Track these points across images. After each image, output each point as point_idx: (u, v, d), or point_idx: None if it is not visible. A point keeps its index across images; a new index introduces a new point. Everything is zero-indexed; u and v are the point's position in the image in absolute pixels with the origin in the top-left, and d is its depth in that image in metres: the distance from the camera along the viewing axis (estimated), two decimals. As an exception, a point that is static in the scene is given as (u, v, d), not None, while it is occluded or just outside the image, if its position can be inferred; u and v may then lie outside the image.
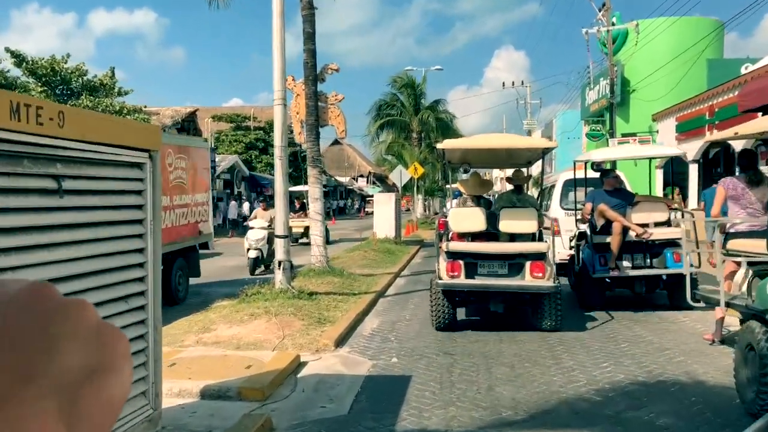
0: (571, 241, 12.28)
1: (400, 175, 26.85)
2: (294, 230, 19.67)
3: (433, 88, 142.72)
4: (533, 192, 20.96)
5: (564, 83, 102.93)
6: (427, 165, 37.49)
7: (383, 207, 22.36)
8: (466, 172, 10.53)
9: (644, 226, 10.25)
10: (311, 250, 13.57)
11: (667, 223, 10.68)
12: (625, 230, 9.97)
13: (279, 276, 10.28)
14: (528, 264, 8.52)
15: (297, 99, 13.35)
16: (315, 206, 13.20)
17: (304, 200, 21.78)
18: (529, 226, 9.12)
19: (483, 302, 9.06)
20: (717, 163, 24.69)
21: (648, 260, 10.22)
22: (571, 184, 14.61)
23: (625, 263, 10.21)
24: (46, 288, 0.50)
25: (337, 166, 73.23)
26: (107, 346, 0.50)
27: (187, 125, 31.81)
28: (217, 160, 36.17)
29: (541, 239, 9.38)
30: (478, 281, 8.54)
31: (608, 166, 14.11)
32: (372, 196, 67.75)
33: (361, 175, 72.61)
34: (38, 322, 0.47)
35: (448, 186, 16.28)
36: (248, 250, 14.94)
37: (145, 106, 27.55)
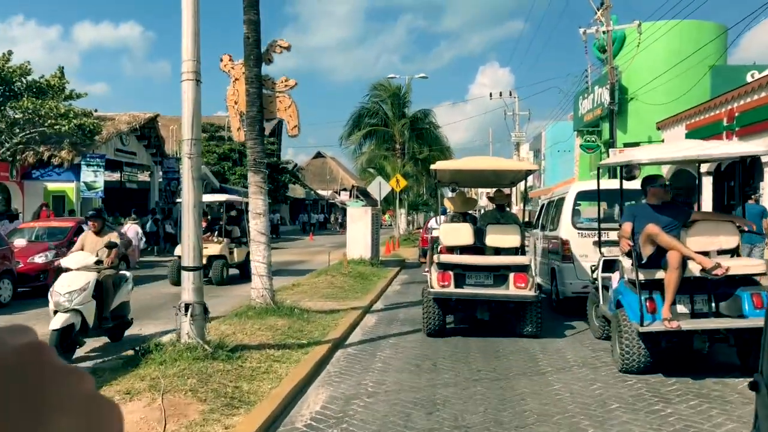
0: (592, 272, 9.10)
1: (379, 187, 23.66)
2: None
3: (418, 102, 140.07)
4: (520, 207, 23.64)
5: (557, 88, 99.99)
6: (410, 178, 34.39)
7: (358, 223, 19.13)
8: (453, 191, 11.10)
9: (705, 254, 7.11)
10: (252, 281, 10.25)
11: (734, 252, 7.54)
12: (684, 262, 6.80)
13: (186, 326, 7.00)
14: (512, 275, 8.94)
15: (235, 85, 10.12)
16: (257, 224, 9.95)
17: (228, 214, 17.56)
18: (513, 240, 9.48)
19: (471, 310, 9.38)
20: (731, 175, 21.75)
21: (713, 305, 7.06)
22: (588, 197, 11.48)
23: (680, 308, 7.04)
24: (43, 351, 0.46)
25: (319, 179, 70.14)
26: (100, 425, 0.45)
27: (147, 132, 28.51)
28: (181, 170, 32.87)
29: (523, 253, 9.66)
30: (466, 290, 8.99)
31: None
32: (355, 210, 64.78)
33: (344, 189, 69.44)
34: (29, 390, 0.43)
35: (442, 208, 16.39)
36: (54, 312, 7.50)
37: (96, 110, 24.25)
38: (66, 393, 0.44)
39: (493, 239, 9.45)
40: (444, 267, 9.07)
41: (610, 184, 11.78)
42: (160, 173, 30.10)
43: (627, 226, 7.22)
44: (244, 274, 15.82)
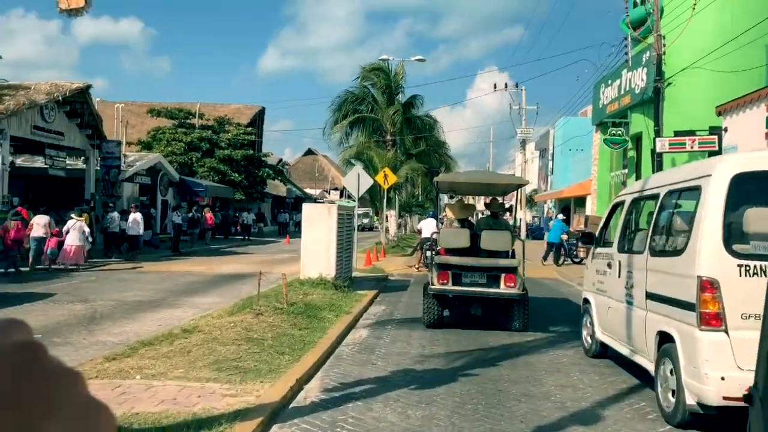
0: None
1: (357, 180, 17.47)
2: None
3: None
4: (526, 212, 27.15)
5: (587, 61, 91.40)
6: (402, 171, 28.21)
7: (317, 226, 12.86)
8: (452, 197, 12.79)
9: None
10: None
11: None
12: None
13: None
14: (503, 276, 9.35)
15: None
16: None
17: None
18: (505, 245, 9.88)
19: (466, 306, 9.90)
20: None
21: None
22: (759, 190, 5.34)
23: None
24: (38, 351, 0.43)
25: (309, 177, 64.10)
26: (93, 427, 0.43)
27: (79, 108, 22.26)
28: (131, 159, 26.74)
29: (513, 256, 9.96)
30: (462, 288, 9.48)
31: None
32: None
33: (335, 188, 63.26)
34: (25, 391, 0.40)
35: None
36: None
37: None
38: (61, 396, 0.40)
39: (487, 243, 9.87)
40: (443, 267, 9.55)
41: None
42: (98, 159, 23.84)
43: None
44: None
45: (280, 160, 50.28)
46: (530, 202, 46.22)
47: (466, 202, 13.66)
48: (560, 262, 22.98)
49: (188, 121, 37.08)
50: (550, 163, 42.61)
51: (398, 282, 16.07)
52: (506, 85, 40.22)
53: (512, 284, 9.25)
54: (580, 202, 34.70)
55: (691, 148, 18.09)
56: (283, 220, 38.52)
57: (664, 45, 19.21)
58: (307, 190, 57.47)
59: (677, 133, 18.28)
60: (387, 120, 29.50)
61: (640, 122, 25.06)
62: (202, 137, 35.44)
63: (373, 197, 28.71)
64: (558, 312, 11.82)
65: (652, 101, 23.46)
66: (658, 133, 18.54)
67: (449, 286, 9.37)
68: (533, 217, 48.50)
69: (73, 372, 0.43)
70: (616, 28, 28.23)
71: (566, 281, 17.13)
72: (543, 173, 45.66)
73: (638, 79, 24.32)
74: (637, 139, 26.00)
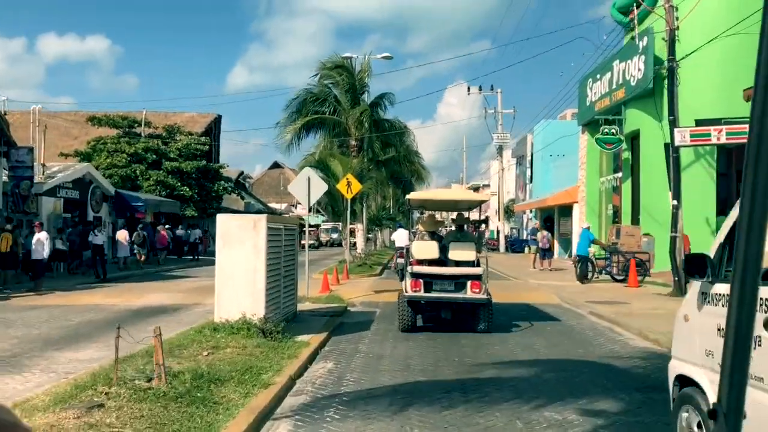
0: None
1: (307, 186, 13.63)
2: None
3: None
4: (504, 223, 34.42)
5: (584, 39, 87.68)
6: (369, 180, 24.38)
7: (237, 247, 8.97)
8: (421, 213, 14.80)
9: None
10: None
11: None
12: None
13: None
14: (469, 282, 10.10)
15: None
16: None
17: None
18: (470, 255, 10.60)
19: (436, 310, 10.62)
20: None
21: None
22: None
23: None
24: None
25: (275, 192, 60.02)
26: None
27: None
28: (53, 169, 22.53)
29: (478, 265, 10.52)
30: (433, 294, 10.21)
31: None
32: (315, 225, 53.65)
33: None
34: None
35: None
36: None
37: None
38: None
39: (454, 254, 10.62)
40: (415, 276, 10.21)
41: None
42: (5, 170, 19.65)
43: None
44: None
45: (242, 172, 46.24)
46: (508, 212, 42.75)
47: (436, 217, 14.72)
48: (589, 278, 18.54)
49: (133, 130, 32.95)
50: (529, 170, 39.19)
51: (360, 316, 12.21)
52: (480, 87, 36.93)
53: (477, 290, 9.97)
54: (566, 210, 31.20)
55: (718, 140, 14.58)
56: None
57: (677, 18, 15.70)
58: (272, 205, 53.36)
59: (699, 123, 14.72)
60: (352, 123, 25.73)
61: (636, 118, 21.61)
62: (148, 147, 31.33)
63: (335, 209, 24.90)
64: (583, 369, 8.00)
65: (653, 93, 20.05)
66: (674, 122, 14.91)
67: (421, 293, 10.07)
68: (511, 228, 45.01)
69: (26, 430, 0.39)
70: (608, 21, 24.86)
71: (573, 308, 13.39)
72: (521, 181, 42.24)
73: (634, 69, 20.87)
74: (633, 138, 22.54)
